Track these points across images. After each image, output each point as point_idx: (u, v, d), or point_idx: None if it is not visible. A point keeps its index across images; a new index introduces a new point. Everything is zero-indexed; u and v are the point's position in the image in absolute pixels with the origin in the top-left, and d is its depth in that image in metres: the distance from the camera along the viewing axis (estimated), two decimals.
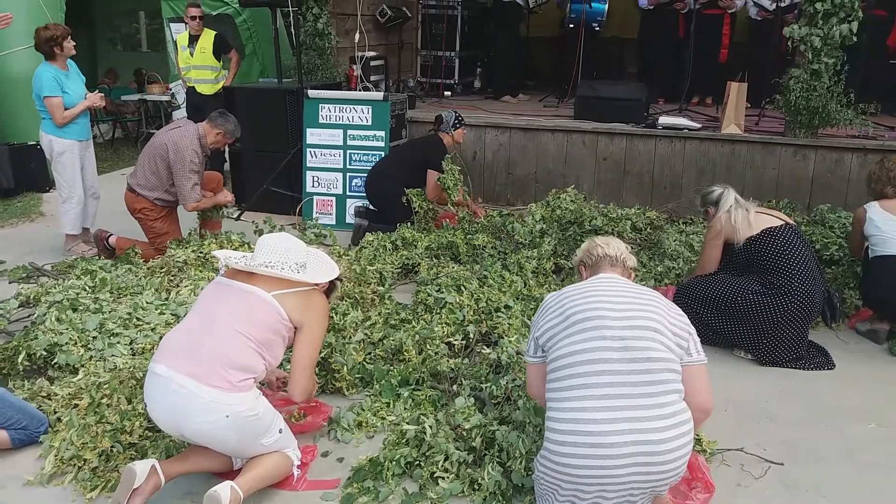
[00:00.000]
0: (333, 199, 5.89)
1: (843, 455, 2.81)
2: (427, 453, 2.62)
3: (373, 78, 7.32)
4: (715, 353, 3.55)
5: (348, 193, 5.86)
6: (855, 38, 5.28)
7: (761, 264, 3.51)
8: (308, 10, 6.61)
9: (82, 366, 3.18)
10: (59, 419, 2.86)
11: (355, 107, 5.74)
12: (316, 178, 5.90)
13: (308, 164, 5.88)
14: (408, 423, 2.78)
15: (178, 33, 7.41)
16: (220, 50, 7.13)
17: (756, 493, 2.56)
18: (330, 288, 2.64)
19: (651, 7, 7.65)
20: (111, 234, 4.83)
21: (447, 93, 8.35)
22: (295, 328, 2.47)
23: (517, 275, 4.22)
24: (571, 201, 5.08)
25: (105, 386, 2.92)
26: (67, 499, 2.52)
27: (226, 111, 4.78)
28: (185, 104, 8.44)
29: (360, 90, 6.87)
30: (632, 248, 4.15)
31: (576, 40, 7.62)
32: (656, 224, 4.96)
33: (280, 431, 2.48)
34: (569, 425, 2.07)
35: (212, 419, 2.28)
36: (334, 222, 5.81)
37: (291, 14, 6.07)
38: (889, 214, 3.66)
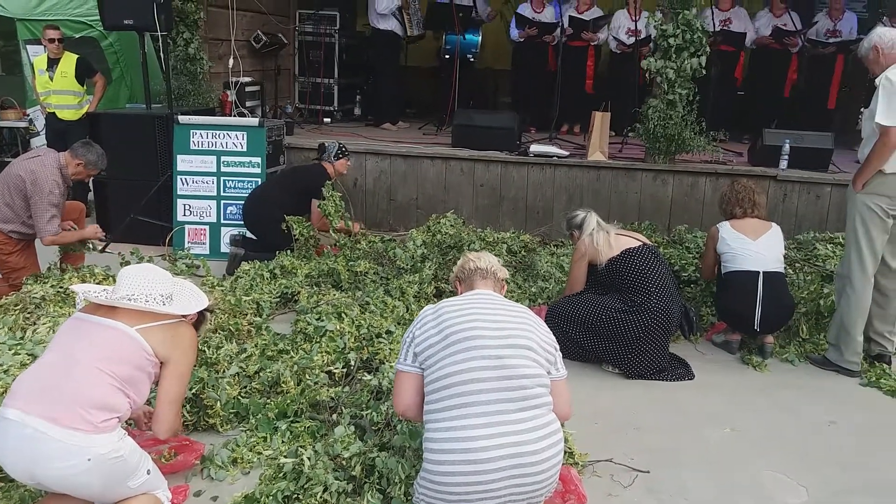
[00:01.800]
0: (207, 227, 5.71)
1: (702, 458, 3.02)
2: (305, 486, 2.58)
3: (248, 103, 7.22)
4: (584, 369, 3.73)
5: (223, 221, 5.70)
6: (704, 71, 5.74)
7: (622, 283, 3.73)
8: (179, 35, 6.44)
9: None
10: None
11: (229, 132, 5.62)
12: (188, 206, 5.70)
13: (179, 192, 5.68)
14: (285, 457, 2.72)
15: (35, 56, 6.98)
16: (83, 74, 6.78)
17: (625, 501, 2.69)
18: (199, 319, 2.56)
19: (522, 40, 7.98)
20: None
21: (327, 119, 8.33)
22: (161, 363, 2.38)
23: (399, 300, 4.26)
24: (451, 226, 5.19)
25: None
26: None
27: (90, 141, 4.54)
28: (44, 131, 7.98)
29: (234, 116, 6.74)
30: (510, 269, 4.32)
31: (451, 70, 7.83)
32: (530, 247, 5.17)
33: (148, 472, 2.36)
34: (447, 444, 2.12)
35: (72, 463, 2.14)
36: (208, 252, 5.63)
37: (161, 38, 5.84)
38: (739, 233, 3.99)
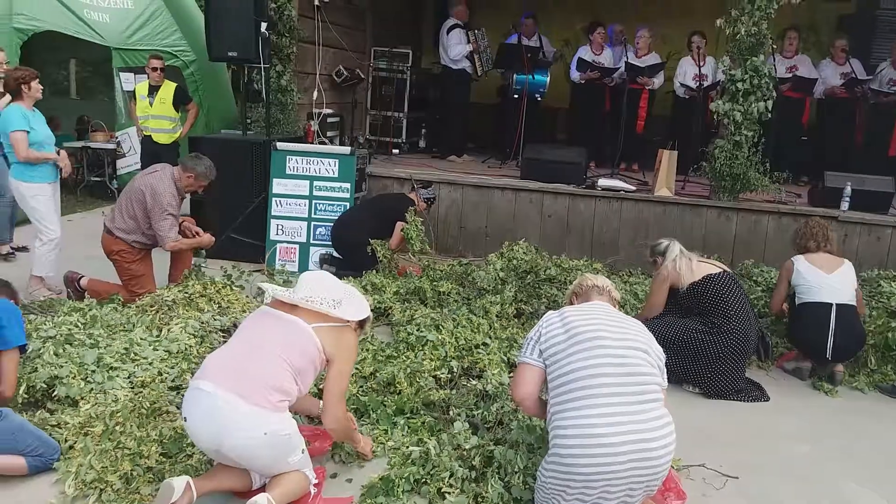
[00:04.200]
0: (297, 246, 6.12)
1: (785, 470, 3.26)
2: (432, 472, 2.89)
3: (329, 133, 7.68)
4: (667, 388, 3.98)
5: (312, 241, 6.11)
6: (770, 115, 6.04)
7: (703, 307, 4.01)
8: (272, 68, 6.94)
9: (82, 398, 3.28)
10: (70, 447, 2.96)
11: (322, 160, 6.05)
12: (280, 227, 6.12)
13: (273, 213, 6.11)
14: (412, 446, 3.04)
15: (139, 83, 7.55)
16: (179, 101, 7.33)
17: (720, 500, 2.94)
18: (360, 325, 2.90)
19: (583, 82, 8.35)
20: (82, 276, 4.89)
21: (395, 150, 8.77)
22: (327, 360, 2.72)
23: (483, 318, 4.58)
24: (524, 253, 5.52)
25: (118, 414, 3.05)
26: None
27: (199, 154, 4.96)
28: (134, 152, 8.56)
29: (316, 144, 7.19)
30: None
31: (514, 107, 8.23)
32: (606, 274, 5.44)
33: (303, 452, 2.70)
34: (576, 430, 2.41)
35: (252, 434, 2.49)
36: (297, 269, 6.02)
37: (263, 70, 6.34)
38: (813, 266, 4.25)
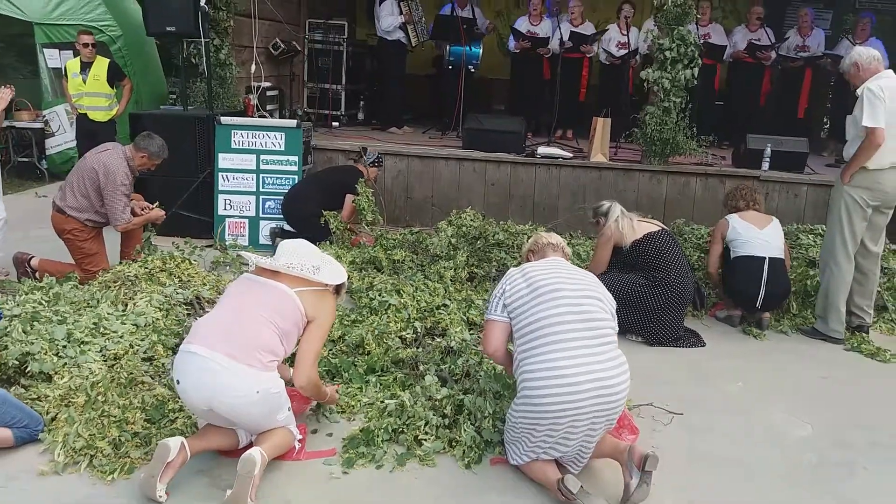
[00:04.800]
0: (246, 220, 6.16)
1: (722, 405, 3.63)
2: (408, 422, 3.11)
3: (268, 107, 7.67)
4: None
5: (261, 215, 6.16)
6: (696, 81, 6.42)
7: (644, 262, 4.33)
8: (210, 42, 6.87)
9: (56, 372, 3.33)
10: (53, 419, 3.03)
11: (268, 133, 6.09)
12: (228, 201, 6.15)
13: (220, 188, 6.13)
14: (388, 399, 3.24)
15: (69, 59, 7.34)
16: (113, 77, 7.18)
17: (667, 434, 3.27)
18: (337, 290, 3.04)
19: (517, 51, 8.57)
20: (32, 257, 4.84)
21: (335, 123, 8.81)
22: (308, 322, 2.87)
23: (438, 282, 4.79)
24: (472, 220, 5.74)
25: (99, 385, 3.13)
26: (86, 484, 2.73)
27: (151, 133, 4.94)
28: (63, 131, 8.34)
29: (256, 118, 7.18)
30: None
31: (451, 79, 8.40)
32: None
33: (288, 409, 2.86)
34: (544, 373, 2.66)
35: (244, 393, 2.63)
36: (247, 243, 6.07)
37: (203, 45, 6.29)
38: (746, 222, 4.63)
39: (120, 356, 3.48)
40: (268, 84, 7.74)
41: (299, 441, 2.98)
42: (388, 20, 8.07)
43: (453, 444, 3.04)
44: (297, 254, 2.94)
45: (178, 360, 2.74)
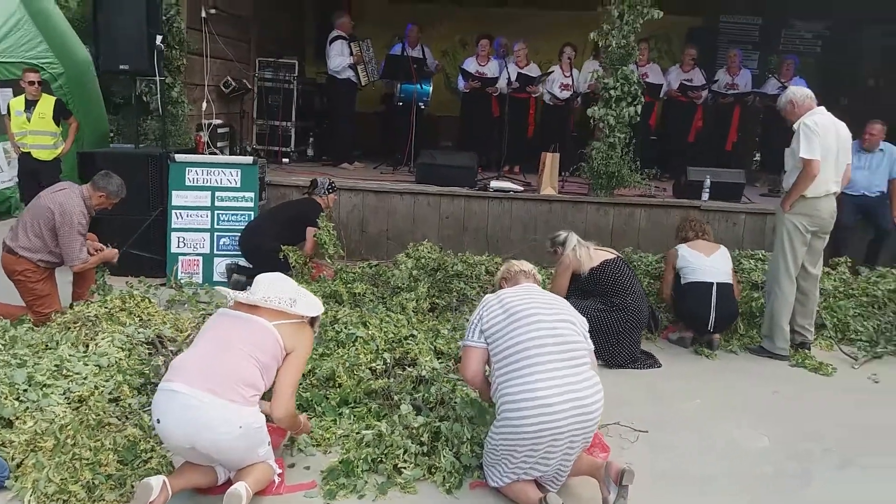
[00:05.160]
0: (200, 258, 6.10)
1: (683, 422, 3.79)
2: (386, 451, 3.14)
3: (219, 144, 7.67)
4: None
5: (216, 252, 6.11)
6: (638, 118, 6.73)
7: (602, 288, 4.50)
8: (161, 79, 6.86)
9: (17, 417, 3.24)
10: (18, 464, 2.95)
11: (224, 170, 6.08)
12: (181, 239, 6.08)
13: (173, 226, 6.06)
14: (364, 430, 3.27)
15: (12, 98, 7.19)
16: (60, 115, 7.07)
17: (635, 451, 3.40)
18: (312, 321, 3.08)
19: (467, 91, 8.82)
20: None
21: (285, 160, 8.82)
22: (286, 354, 2.89)
23: (401, 314, 4.86)
24: (429, 252, 5.84)
25: (68, 427, 3.07)
26: None
27: (109, 172, 4.89)
28: (1, 170, 8.12)
29: (206, 155, 7.17)
30: (489, 287, 5.04)
31: (402, 116, 8.57)
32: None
33: (268, 444, 2.87)
34: (523, 395, 2.75)
35: (228, 429, 2.63)
36: (201, 281, 6.00)
37: (159, 83, 6.28)
38: (694, 251, 4.88)
39: (85, 398, 3.42)
40: (219, 121, 7.75)
41: (278, 475, 2.98)
42: (337, 60, 8.21)
43: (433, 470, 3.09)
44: (274, 287, 2.97)
45: (158, 399, 2.72)
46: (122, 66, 6.06)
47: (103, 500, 2.80)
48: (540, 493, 2.83)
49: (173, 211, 6.06)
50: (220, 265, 6.10)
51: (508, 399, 2.80)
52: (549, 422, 2.73)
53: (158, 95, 6.43)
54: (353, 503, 2.92)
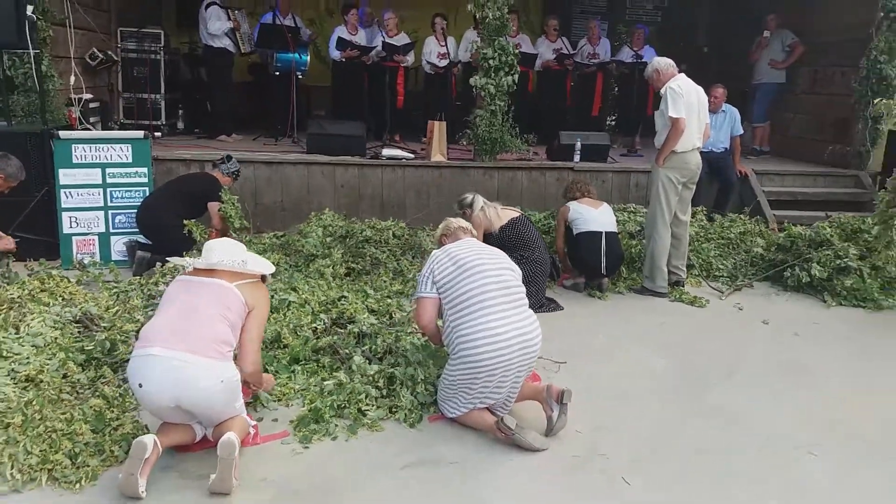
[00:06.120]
0: (96, 237, 5.92)
1: (594, 353, 4.35)
2: (349, 397, 3.42)
3: (91, 119, 7.32)
4: None
5: (112, 231, 5.95)
6: (515, 87, 7.23)
7: (512, 243, 4.95)
8: (25, 52, 6.45)
9: None
10: None
11: (113, 146, 5.89)
12: (74, 219, 5.86)
13: (63, 205, 5.82)
14: (324, 381, 3.52)
15: None
16: None
17: (559, 378, 3.88)
18: (263, 279, 3.24)
19: (343, 60, 8.93)
20: None
21: (157, 133, 8.52)
22: (248, 312, 3.06)
23: (320, 280, 5.07)
24: (332, 220, 6.05)
25: (33, 403, 3.07)
26: (52, 496, 2.72)
27: (7, 154, 4.70)
28: None
29: (79, 130, 6.86)
30: (398, 250, 5.37)
31: (278, 85, 8.57)
32: (409, 233, 6.18)
33: (242, 396, 3.05)
34: (479, 334, 3.13)
35: (210, 384, 2.79)
36: (100, 260, 5.84)
37: (32, 56, 5.92)
38: (584, 206, 5.45)
39: (32, 377, 3.39)
40: (89, 96, 7.38)
41: (253, 427, 3.17)
42: (217, 24, 8.02)
43: (393, 410, 3.42)
44: (225, 251, 3.13)
45: (137, 365, 2.82)
46: None
47: (87, 465, 2.87)
48: (494, 417, 3.24)
49: (62, 190, 5.81)
50: (117, 243, 5.95)
51: (465, 338, 3.17)
52: (502, 354, 3.13)
53: (33, 69, 6.06)
54: (327, 445, 3.18)
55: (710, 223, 6.69)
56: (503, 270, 3.33)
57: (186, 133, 9.15)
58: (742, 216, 6.89)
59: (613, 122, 10.64)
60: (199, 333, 2.84)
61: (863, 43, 7.90)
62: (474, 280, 3.25)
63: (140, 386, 2.81)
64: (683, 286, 5.57)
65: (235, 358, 3.01)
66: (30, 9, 5.66)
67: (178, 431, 2.97)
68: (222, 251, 3.10)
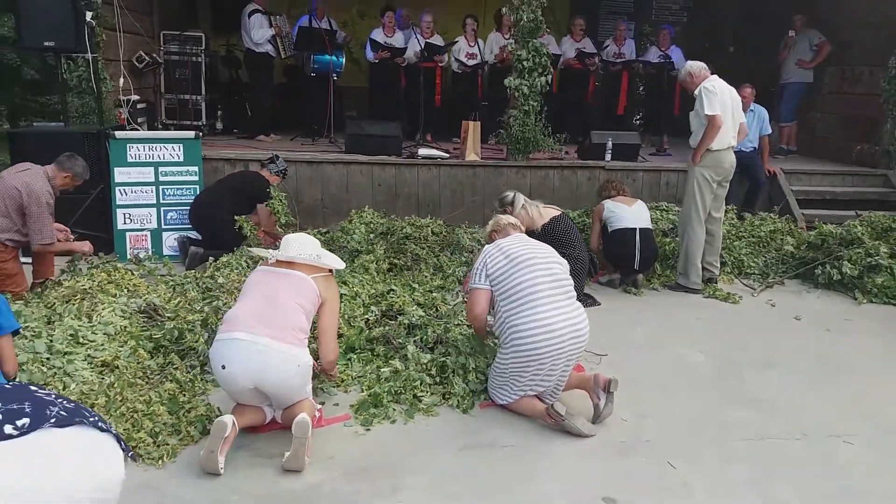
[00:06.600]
0: (148, 233, 6.18)
1: (633, 345, 4.52)
2: (404, 384, 3.63)
3: (139, 120, 7.60)
4: None
5: (163, 227, 6.21)
6: (548, 87, 7.39)
7: (554, 241, 5.03)
8: (80, 56, 6.73)
9: (46, 383, 3.43)
10: None
11: (166, 145, 6.16)
12: (128, 215, 6.13)
13: (118, 203, 6.09)
14: (382, 369, 3.73)
15: None
16: None
17: (601, 370, 4.02)
18: (331, 272, 3.46)
19: (377, 61, 9.15)
20: None
21: (199, 133, 8.78)
22: (321, 303, 3.28)
23: (364, 275, 5.28)
24: (373, 217, 6.26)
25: (115, 385, 3.31)
26: (138, 471, 2.93)
27: (74, 154, 4.95)
28: None
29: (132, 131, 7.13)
30: (437, 247, 5.56)
31: (318, 86, 8.81)
32: (447, 230, 6.38)
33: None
34: (532, 324, 3.31)
35: (289, 367, 3.01)
36: (153, 255, 6.09)
37: (92, 60, 6.20)
38: (619, 203, 5.62)
39: (108, 362, 3.63)
40: (137, 97, 7.66)
41: (318, 410, 3.38)
42: (260, 32, 8.29)
43: (446, 396, 3.61)
44: (302, 245, 3.36)
45: (220, 348, 3.05)
46: (46, 43, 5.92)
47: (167, 444, 3.09)
48: (544, 404, 3.42)
49: (117, 188, 6.09)
50: (168, 239, 6.22)
51: (518, 328, 3.35)
52: (553, 344, 3.31)
53: (91, 73, 6.34)
54: (386, 427, 3.39)
55: (741, 222, 6.82)
56: (552, 264, 3.52)
57: (225, 133, 9.42)
58: (772, 215, 7.00)
59: (640, 121, 10.77)
60: (280, 321, 3.06)
61: (891, 41, 7.97)
62: (526, 273, 3.43)
63: (223, 368, 3.03)
64: (717, 283, 5.71)
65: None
66: (89, 15, 5.92)
67: (251, 413, 3.19)
68: (300, 245, 3.33)
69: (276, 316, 3.07)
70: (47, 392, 1.96)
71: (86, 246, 5.00)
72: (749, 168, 7.53)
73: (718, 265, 5.77)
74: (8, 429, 1.73)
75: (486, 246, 3.66)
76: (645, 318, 5.04)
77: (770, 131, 7.67)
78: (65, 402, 1.91)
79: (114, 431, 1.99)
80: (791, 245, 6.37)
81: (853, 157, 8.58)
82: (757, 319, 5.14)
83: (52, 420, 1.81)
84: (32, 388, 1.95)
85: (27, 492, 1.69)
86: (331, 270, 3.46)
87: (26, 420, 1.76)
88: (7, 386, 2.05)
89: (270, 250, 3.43)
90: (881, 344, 4.76)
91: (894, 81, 7.92)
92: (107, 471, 1.88)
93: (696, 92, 5.38)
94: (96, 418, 1.97)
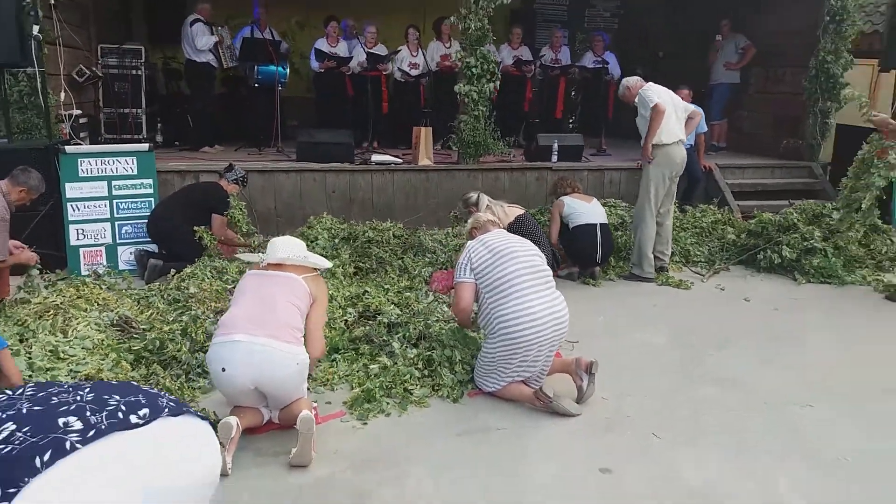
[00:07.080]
0: (102, 248, 6.06)
1: (599, 333, 4.75)
2: (394, 378, 3.73)
3: (81, 134, 7.44)
4: None
5: (118, 241, 6.10)
6: (497, 93, 7.62)
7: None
8: (21, 71, 6.56)
9: None
10: None
11: (119, 159, 6.06)
12: (81, 231, 6.00)
13: (71, 218, 5.96)
14: (370, 366, 3.83)
15: None
16: None
17: (575, 354, 4.24)
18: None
19: (322, 70, 9.20)
20: None
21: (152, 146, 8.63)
22: (312, 302, 3.35)
23: (333, 279, 5.35)
24: (331, 224, 6.33)
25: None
26: None
27: (27, 167, 4.85)
28: None
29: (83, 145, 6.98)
30: (399, 249, 5.68)
31: (262, 97, 8.80)
32: (407, 233, 6.50)
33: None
34: (516, 312, 3.48)
35: (288, 365, 3.08)
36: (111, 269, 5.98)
37: (39, 75, 6.05)
38: (577, 200, 5.87)
39: (91, 376, 3.60)
40: (78, 111, 7.49)
41: (314, 408, 3.45)
42: (204, 39, 8.22)
43: (436, 388, 3.74)
44: (290, 246, 3.44)
45: (218, 351, 3.09)
46: None
47: None
48: (531, 388, 3.59)
49: (69, 204, 5.95)
50: (124, 253, 6.11)
51: (503, 318, 3.51)
52: (538, 332, 3.49)
53: (39, 88, 6.18)
54: (382, 420, 3.49)
55: (683, 214, 7.20)
56: (533, 256, 3.70)
57: (166, 146, 9.25)
58: (711, 207, 7.41)
59: (573, 124, 11.13)
60: (277, 320, 3.12)
61: (811, 44, 8.56)
62: (509, 265, 3.60)
63: (223, 370, 3.07)
64: (668, 271, 6.03)
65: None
66: (36, 29, 5.79)
67: (250, 414, 3.23)
68: (288, 247, 3.40)
69: (271, 316, 3.14)
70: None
71: (30, 256, 4.89)
72: (687, 164, 7.91)
73: (668, 255, 6.10)
74: (133, 419, 1.91)
75: (469, 242, 3.81)
76: (605, 307, 5.29)
77: (706, 129, 8.12)
78: (165, 394, 2.13)
79: (210, 421, 2.18)
80: (732, 234, 6.78)
81: (780, 150, 9.14)
82: (709, 303, 5.46)
83: (166, 410, 1.99)
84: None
85: (161, 477, 1.87)
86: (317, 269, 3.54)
87: (146, 410, 1.95)
88: (113, 382, 2.28)
89: (260, 254, 3.48)
90: (825, 319, 5.16)
91: (815, 81, 8.50)
92: (213, 457, 2.07)
93: (636, 100, 5.69)
94: (194, 410, 2.18)
